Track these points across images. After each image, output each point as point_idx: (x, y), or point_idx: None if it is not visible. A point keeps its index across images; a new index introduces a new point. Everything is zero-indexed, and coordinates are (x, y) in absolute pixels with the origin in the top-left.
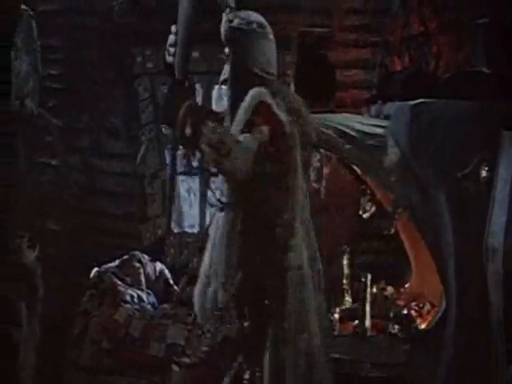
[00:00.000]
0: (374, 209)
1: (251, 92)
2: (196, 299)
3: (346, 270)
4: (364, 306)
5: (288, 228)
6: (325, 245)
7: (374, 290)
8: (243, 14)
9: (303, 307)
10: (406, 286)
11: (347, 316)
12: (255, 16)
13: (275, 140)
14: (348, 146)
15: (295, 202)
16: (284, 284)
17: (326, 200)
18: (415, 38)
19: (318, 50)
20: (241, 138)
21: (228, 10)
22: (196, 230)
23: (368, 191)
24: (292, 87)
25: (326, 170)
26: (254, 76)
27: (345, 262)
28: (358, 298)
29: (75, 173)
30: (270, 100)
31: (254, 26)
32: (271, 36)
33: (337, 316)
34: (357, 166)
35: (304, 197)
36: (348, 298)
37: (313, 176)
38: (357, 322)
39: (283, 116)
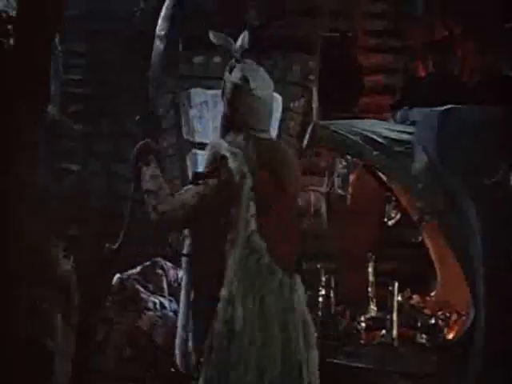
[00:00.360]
0: (398, 216)
1: (209, 143)
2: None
3: (370, 278)
4: (391, 314)
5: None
6: (349, 252)
7: (399, 298)
8: (247, 66)
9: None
10: (432, 294)
11: (373, 325)
12: (251, 70)
13: (222, 193)
14: (375, 153)
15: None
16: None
17: (351, 207)
18: (439, 43)
19: (342, 54)
20: (182, 190)
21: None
22: None
23: (393, 198)
24: (315, 92)
25: (352, 177)
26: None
27: (369, 269)
28: (383, 306)
29: (96, 178)
30: (225, 152)
31: (239, 81)
32: (259, 92)
33: (363, 325)
34: (384, 172)
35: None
36: (373, 306)
37: (338, 182)
38: (383, 331)
39: (243, 169)
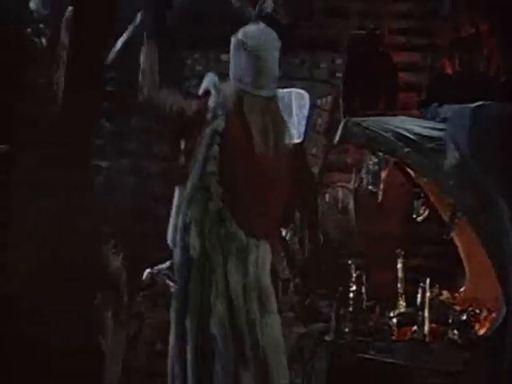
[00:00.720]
0: (427, 212)
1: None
2: None
3: (400, 274)
4: (422, 311)
5: None
6: (377, 248)
7: (428, 294)
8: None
9: None
10: (461, 290)
11: (404, 321)
12: (258, 31)
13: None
14: (407, 150)
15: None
16: None
17: (382, 203)
18: (465, 40)
19: (371, 52)
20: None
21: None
22: None
23: (422, 194)
24: (340, 89)
25: (383, 174)
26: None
27: (399, 265)
28: (412, 302)
29: (125, 175)
30: (212, 88)
31: (240, 37)
32: (256, 50)
33: (394, 321)
34: (415, 169)
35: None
36: (402, 302)
37: (369, 179)
38: (415, 327)
39: (218, 110)
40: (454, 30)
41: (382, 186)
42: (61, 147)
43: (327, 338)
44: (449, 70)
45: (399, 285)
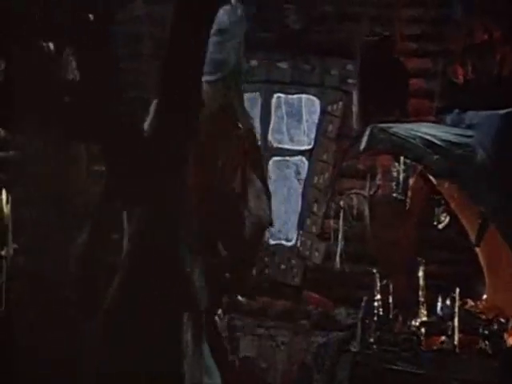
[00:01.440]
0: (448, 219)
1: None
2: None
3: (421, 282)
4: (452, 320)
5: None
6: (393, 255)
7: (448, 302)
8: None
9: None
10: (483, 298)
11: (431, 330)
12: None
13: None
14: (436, 157)
15: None
16: None
17: (395, 209)
18: (479, 46)
19: (384, 58)
20: None
21: None
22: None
23: (442, 201)
24: (355, 96)
25: (411, 181)
26: None
27: (420, 273)
28: (433, 310)
29: None
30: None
31: None
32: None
33: (423, 330)
34: (444, 176)
35: None
36: (423, 311)
37: (396, 187)
38: (443, 337)
39: None
40: (467, 36)
41: (410, 194)
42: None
43: (351, 348)
44: (460, 76)
45: (420, 293)
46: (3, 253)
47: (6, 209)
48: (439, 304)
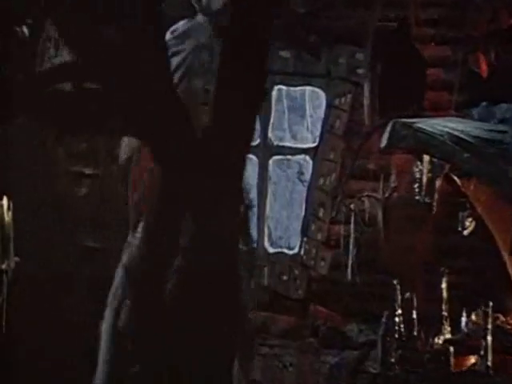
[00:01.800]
0: (473, 225)
1: None
2: None
3: (444, 294)
4: (485, 339)
5: None
6: (417, 265)
7: (473, 317)
8: None
9: None
10: None
11: (460, 349)
12: None
13: None
14: (466, 155)
15: None
16: None
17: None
18: (502, 32)
19: (399, 46)
20: None
21: None
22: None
23: (468, 205)
24: (365, 88)
25: (438, 182)
26: None
27: (443, 284)
28: (458, 326)
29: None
30: None
31: None
32: None
33: (452, 349)
34: (476, 176)
35: None
36: (447, 326)
37: (420, 188)
38: (474, 356)
39: None
40: (490, 21)
41: (436, 196)
42: None
43: (370, 368)
44: (483, 66)
45: (444, 306)
46: (4, 266)
47: (8, 216)
48: (463, 319)
